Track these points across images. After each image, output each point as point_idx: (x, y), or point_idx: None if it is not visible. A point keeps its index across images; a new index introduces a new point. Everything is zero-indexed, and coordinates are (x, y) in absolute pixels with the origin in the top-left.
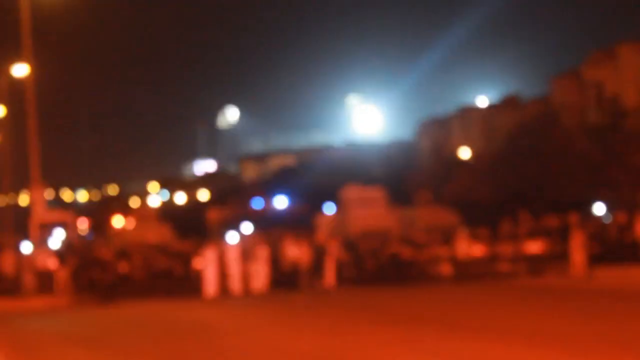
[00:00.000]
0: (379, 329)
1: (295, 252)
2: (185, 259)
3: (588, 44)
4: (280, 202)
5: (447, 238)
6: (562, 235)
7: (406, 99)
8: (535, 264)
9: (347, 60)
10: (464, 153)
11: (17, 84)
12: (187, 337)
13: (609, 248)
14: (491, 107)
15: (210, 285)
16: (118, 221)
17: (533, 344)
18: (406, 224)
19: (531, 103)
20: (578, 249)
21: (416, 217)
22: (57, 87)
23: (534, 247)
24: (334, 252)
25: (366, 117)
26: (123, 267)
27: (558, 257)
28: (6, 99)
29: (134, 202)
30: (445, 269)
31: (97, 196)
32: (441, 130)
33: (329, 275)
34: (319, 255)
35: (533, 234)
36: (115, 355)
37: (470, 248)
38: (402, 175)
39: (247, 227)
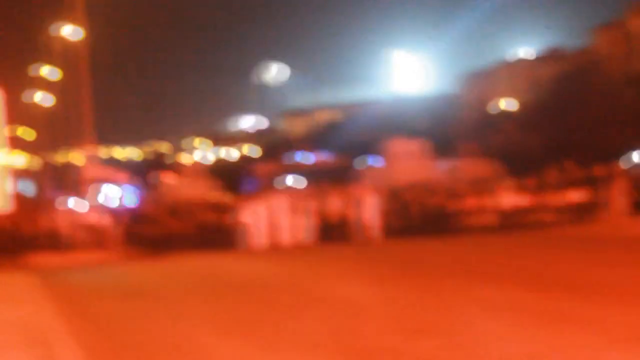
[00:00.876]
0: (428, 279)
1: (342, 204)
2: (234, 212)
3: None
4: (327, 155)
5: (492, 189)
6: (605, 184)
7: (451, 52)
8: (580, 212)
9: (391, 13)
10: (509, 104)
11: (69, 42)
12: (236, 289)
13: None
14: (536, 59)
15: (259, 238)
16: (168, 177)
17: (590, 296)
18: (451, 175)
19: (576, 54)
20: (620, 197)
21: (461, 168)
22: (107, 45)
23: (578, 196)
24: (380, 204)
25: (411, 70)
26: (173, 222)
27: (602, 205)
28: (59, 58)
29: (184, 159)
30: (490, 219)
31: (147, 153)
32: (486, 82)
33: (376, 227)
34: (364, 208)
35: (577, 183)
36: (167, 306)
37: (515, 198)
38: (447, 127)
39: (295, 181)
